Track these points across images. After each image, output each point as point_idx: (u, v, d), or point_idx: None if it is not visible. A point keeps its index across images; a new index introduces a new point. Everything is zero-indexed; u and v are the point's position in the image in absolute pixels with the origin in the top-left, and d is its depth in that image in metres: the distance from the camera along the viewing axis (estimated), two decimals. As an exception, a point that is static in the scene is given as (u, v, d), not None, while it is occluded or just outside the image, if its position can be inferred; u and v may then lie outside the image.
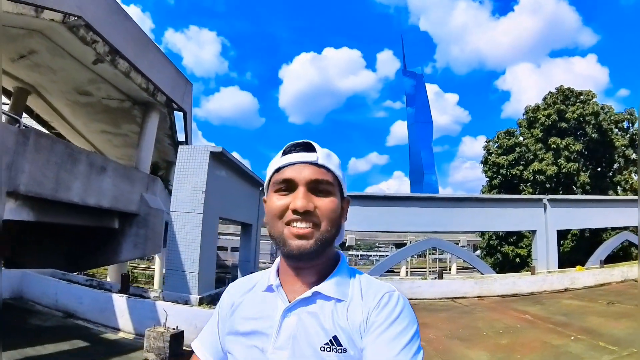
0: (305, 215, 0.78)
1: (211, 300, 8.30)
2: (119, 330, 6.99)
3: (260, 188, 14.86)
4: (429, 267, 37.90)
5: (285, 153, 0.84)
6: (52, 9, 8.95)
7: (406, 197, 17.87)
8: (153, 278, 25.22)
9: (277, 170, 0.83)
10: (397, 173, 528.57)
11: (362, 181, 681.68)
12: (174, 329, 5.94)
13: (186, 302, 7.99)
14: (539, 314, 10.12)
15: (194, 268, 8.33)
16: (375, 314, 0.79)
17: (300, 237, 0.78)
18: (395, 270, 34.91)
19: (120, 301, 7.10)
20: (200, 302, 8.04)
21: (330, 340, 0.77)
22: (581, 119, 27.84)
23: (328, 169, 0.83)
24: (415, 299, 12.24)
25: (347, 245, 34.05)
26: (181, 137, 17.35)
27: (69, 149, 9.31)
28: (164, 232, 11.91)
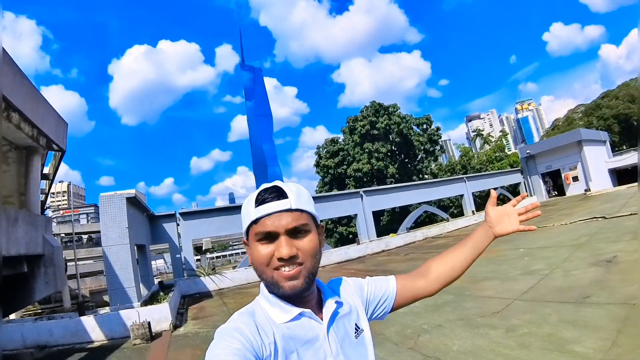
0: (291, 259, 0.84)
1: (145, 302, 11.18)
2: (93, 342, 9.35)
3: (145, 213, 17.28)
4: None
5: (259, 202, 0.86)
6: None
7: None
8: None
9: (255, 221, 0.86)
10: (242, 168, 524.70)
11: (206, 180, 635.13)
12: (143, 322, 9.08)
13: (132, 308, 10.68)
14: (361, 268, 16.03)
15: (131, 284, 11.11)
16: (365, 283, 1.09)
17: (290, 278, 0.84)
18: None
19: (89, 320, 9.57)
20: (143, 305, 10.92)
21: (356, 327, 0.97)
22: (388, 127, 36.85)
23: (302, 210, 0.87)
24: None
25: (204, 249, 34.54)
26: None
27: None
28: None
